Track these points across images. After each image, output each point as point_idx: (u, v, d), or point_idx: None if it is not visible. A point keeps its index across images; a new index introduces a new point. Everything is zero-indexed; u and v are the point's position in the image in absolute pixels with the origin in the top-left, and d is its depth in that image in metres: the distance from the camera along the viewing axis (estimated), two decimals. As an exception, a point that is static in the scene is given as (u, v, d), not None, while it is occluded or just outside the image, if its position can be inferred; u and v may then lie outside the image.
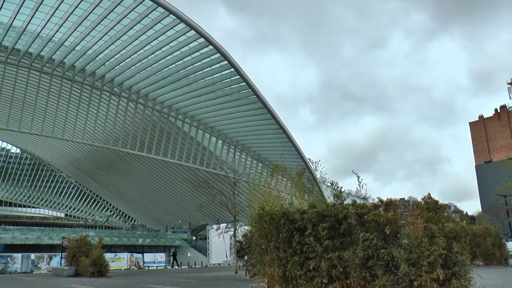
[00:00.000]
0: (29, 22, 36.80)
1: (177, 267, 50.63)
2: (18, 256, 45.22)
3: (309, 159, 18.81)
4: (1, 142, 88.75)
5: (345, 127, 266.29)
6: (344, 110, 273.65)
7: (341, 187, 12.51)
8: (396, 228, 9.73)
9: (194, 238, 68.31)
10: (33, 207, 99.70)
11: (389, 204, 10.16)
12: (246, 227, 44.88)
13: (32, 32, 38.98)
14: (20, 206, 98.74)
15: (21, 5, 34.11)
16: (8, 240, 51.58)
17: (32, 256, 46.43)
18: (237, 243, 45.43)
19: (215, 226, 57.56)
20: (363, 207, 10.57)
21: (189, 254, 60.90)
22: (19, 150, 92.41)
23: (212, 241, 56.05)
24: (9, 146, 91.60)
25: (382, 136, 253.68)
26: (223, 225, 56.04)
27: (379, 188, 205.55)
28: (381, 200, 10.51)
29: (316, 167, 17.02)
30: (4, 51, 42.23)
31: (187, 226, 71.84)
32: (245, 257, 27.08)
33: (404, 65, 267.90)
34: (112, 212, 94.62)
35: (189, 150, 54.43)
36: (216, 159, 56.04)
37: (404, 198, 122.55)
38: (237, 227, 42.30)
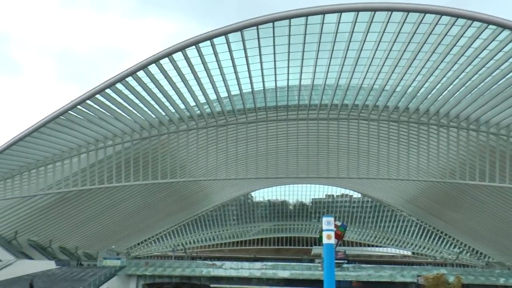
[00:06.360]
0: (351, 78, 40.11)
1: None
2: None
3: None
4: (344, 189, 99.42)
5: None
6: None
7: None
8: None
9: None
10: (380, 246, 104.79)
11: None
12: None
13: (354, 85, 42.13)
14: (368, 246, 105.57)
15: (343, 64, 37.46)
16: (364, 277, 55.65)
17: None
18: None
19: None
20: None
21: None
22: (360, 195, 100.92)
23: None
24: (351, 193, 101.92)
25: None
26: None
27: None
28: None
29: None
30: (334, 109, 47.20)
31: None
32: None
33: None
34: (461, 248, 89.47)
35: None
36: None
37: None
38: None
